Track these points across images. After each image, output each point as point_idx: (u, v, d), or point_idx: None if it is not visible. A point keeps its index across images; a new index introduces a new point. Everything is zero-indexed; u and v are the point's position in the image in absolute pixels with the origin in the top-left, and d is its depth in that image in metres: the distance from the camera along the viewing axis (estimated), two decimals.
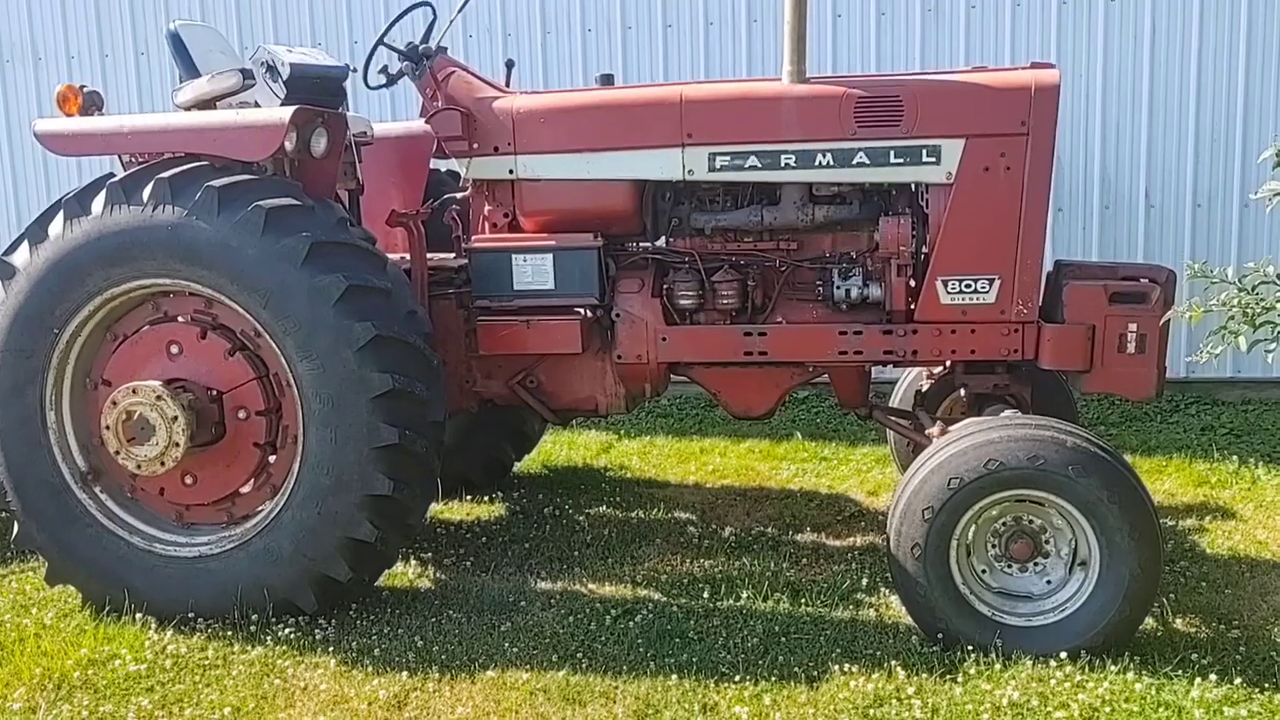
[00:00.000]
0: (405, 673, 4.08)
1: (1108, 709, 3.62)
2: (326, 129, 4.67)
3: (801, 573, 4.94)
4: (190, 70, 5.11)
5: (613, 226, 4.91)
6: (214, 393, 4.53)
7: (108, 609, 4.59)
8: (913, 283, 4.69)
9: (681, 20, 8.04)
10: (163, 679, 4.11)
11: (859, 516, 5.75)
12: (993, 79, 4.54)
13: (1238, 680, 3.74)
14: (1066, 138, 7.40)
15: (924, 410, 5.28)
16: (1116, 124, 7.54)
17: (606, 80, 5.19)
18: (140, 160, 4.71)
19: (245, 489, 4.65)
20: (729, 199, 4.90)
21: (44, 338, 4.55)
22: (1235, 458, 6.40)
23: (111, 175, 4.59)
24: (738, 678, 3.94)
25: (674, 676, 3.95)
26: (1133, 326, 4.41)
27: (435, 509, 5.86)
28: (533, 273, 4.86)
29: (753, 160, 4.63)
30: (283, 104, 4.81)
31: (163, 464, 4.48)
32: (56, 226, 4.50)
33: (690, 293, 4.85)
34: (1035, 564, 4.08)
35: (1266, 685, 3.76)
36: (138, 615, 4.53)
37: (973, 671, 3.86)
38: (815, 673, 3.96)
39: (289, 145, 4.46)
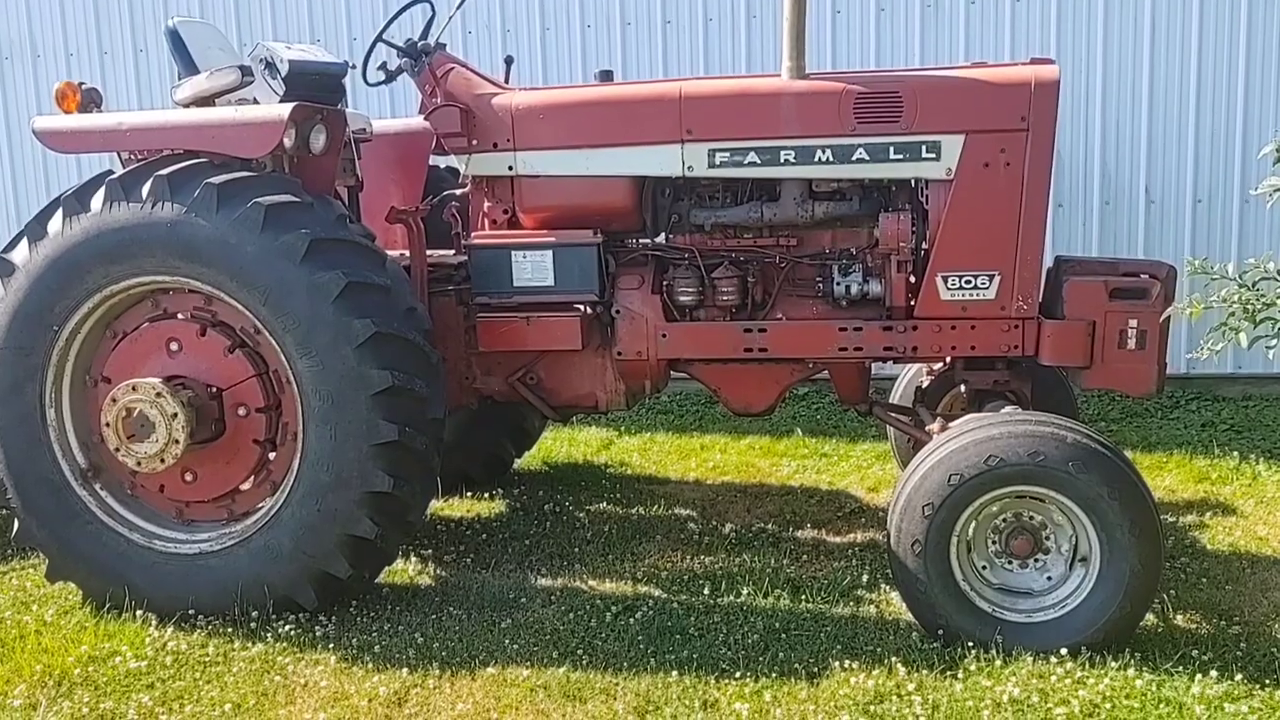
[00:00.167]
0: (406, 669, 4.08)
1: (1108, 705, 3.61)
2: (325, 126, 4.66)
3: (802, 569, 4.94)
4: (189, 67, 5.10)
5: (612, 223, 4.91)
6: (214, 390, 4.53)
7: (108, 606, 4.60)
8: (913, 279, 4.68)
9: (681, 16, 8.04)
10: (163, 676, 4.11)
11: (859, 513, 5.75)
12: (992, 75, 4.53)
13: (1239, 677, 3.74)
14: (1066, 133, 7.40)
15: (924, 406, 5.29)
16: (1117, 119, 7.54)
17: (606, 76, 5.18)
18: (139, 157, 4.71)
19: (245, 486, 4.66)
20: (729, 195, 4.89)
21: (44, 335, 4.54)
22: (1236, 454, 6.40)
23: (110, 172, 4.59)
24: (738, 674, 3.94)
25: (674, 673, 3.95)
26: (1133, 322, 4.41)
27: (435, 506, 5.86)
28: (532, 269, 4.85)
29: (752, 156, 4.62)
30: (281, 101, 4.81)
31: (162, 461, 4.47)
32: (56, 224, 4.50)
33: (690, 289, 4.85)
34: (1036, 560, 4.08)
35: (1267, 681, 3.76)
36: (138, 612, 4.53)
37: (973, 668, 3.85)
38: (816, 669, 3.96)
39: (288, 142, 4.45)
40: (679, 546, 5.28)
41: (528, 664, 4.09)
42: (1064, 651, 3.86)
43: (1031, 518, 4.06)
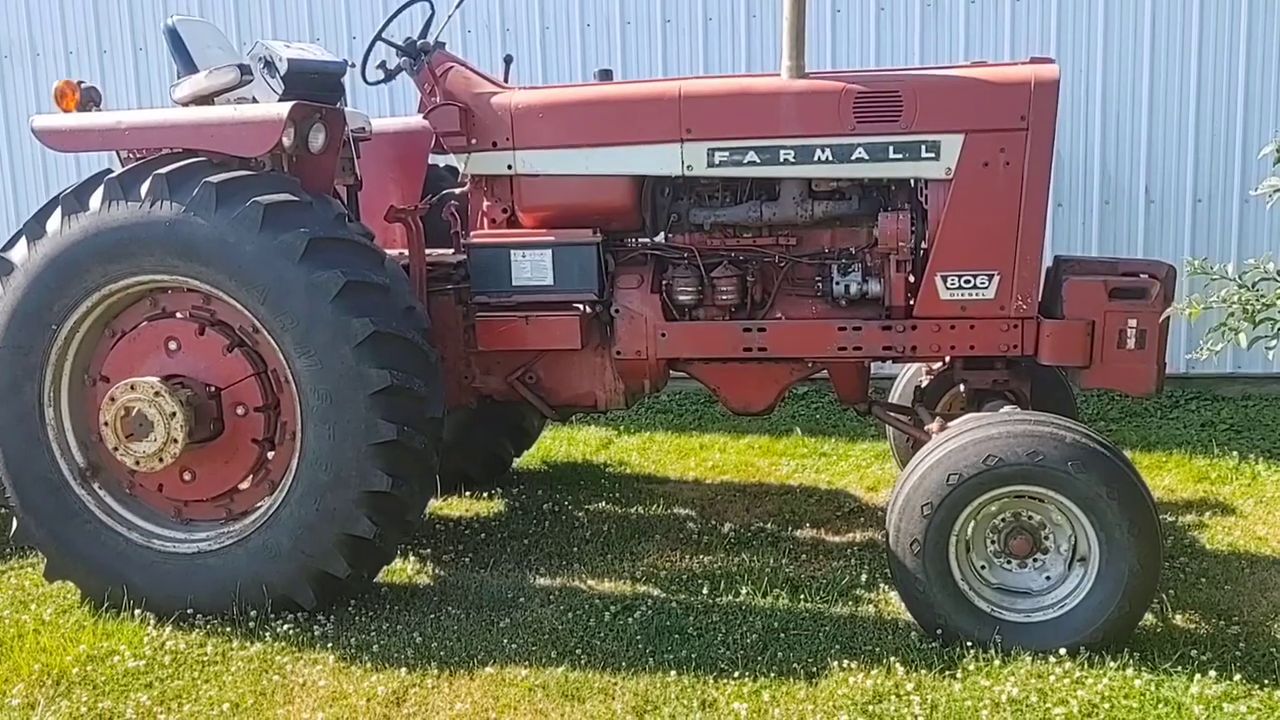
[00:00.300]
0: (404, 669, 4.07)
1: (1107, 705, 3.61)
2: (324, 124, 4.66)
3: (801, 569, 4.94)
4: (188, 66, 5.10)
5: (612, 222, 4.91)
6: (212, 389, 4.52)
7: (106, 605, 4.59)
8: (912, 278, 4.68)
9: (680, 16, 8.04)
10: (161, 675, 4.10)
11: (858, 512, 5.74)
12: (992, 74, 4.53)
13: (1237, 677, 3.74)
14: (1066, 133, 7.40)
15: (923, 406, 5.28)
16: (1116, 119, 7.54)
17: (605, 75, 5.18)
18: (138, 156, 4.71)
19: (244, 485, 4.65)
20: (728, 194, 4.89)
21: (42, 334, 4.54)
22: (1235, 453, 6.40)
23: (109, 171, 4.59)
24: (737, 674, 3.93)
25: (673, 673, 3.95)
26: (1132, 322, 4.41)
27: (434, 505, 5.86)
28: (531, 268, 4.85)
29: (752, 156, 4.62)
30: (280, 99, 4.81)
31: (161, 460, 4.47)
32: (54, 223, 4.49)
33: (689, 288, 4.84)
34: (1034, 560, 4.08)
35: (1266, 681, 3.75)
36: (136, 611, 4.52)
37: (972, 668, 3.85)
38: (814, 669, 3.96)
39: (287, 141, 4.44)
40: (678, 546, 5.28)
41: (526, 663, 4.09)
42: (1063, 651, 3.86)
43: (1030, 517, 4.06)
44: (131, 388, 4.45)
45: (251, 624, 4.42)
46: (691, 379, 5.18)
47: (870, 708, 3.68)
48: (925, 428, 4.74)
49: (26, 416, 4.60)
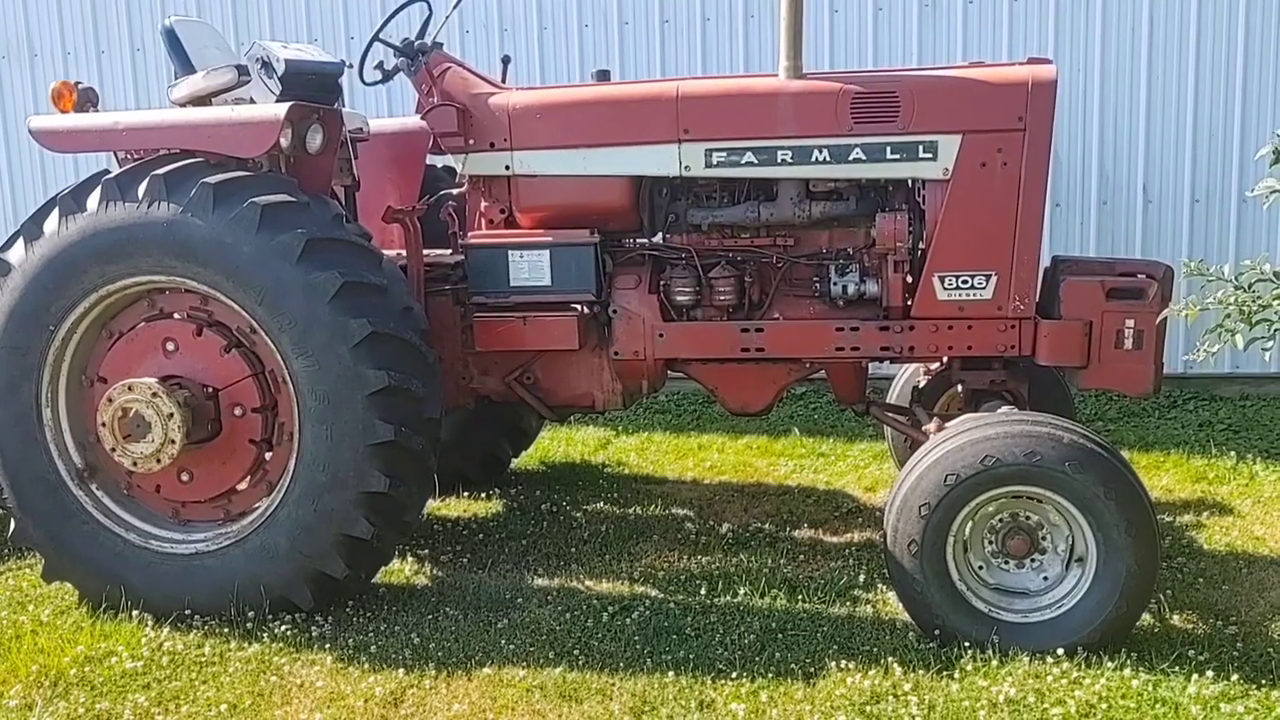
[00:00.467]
0: (402, 670, 4.07)
1: (1104, 705, 3.61)
2: (322, 125, 4.66)
3: (799, 569, 4.94)
4: (186, 66, 5.10)
5: (609, 223, 4.91)
6: (210, 389, 4.52)
7: (104, 606, 4.59)
8: (909, 279, 4.68)
9: (679, 16, 8.04)
10: (159, 676, 4.10)
11: (856, 513, 5.74)
12: (990, 74, 4.53)
13: (1235, 677, 3.74)
14: (1064, 133, 7.40)
15: (921, 406, 5.28)
16: (1114, 119, 7.54)
17: (603, 76, 5.17)
18: (135, 157, 4.70)
19: (241, 486, 4.65)
20: (726, 195, 4.89)
21: (40, 335, 4.54)
22: (1233, 453, 6.40)
23: (107, 172, 4.59)
24: (734, 674, 3.93)
25: (670, 673, 3.95)
26: (1130, 322, 4.41)
27: (432, 506, 5.86)
28: (529, 269, 4.85)
29: (749, 156, 4.62)
30: (278, 100, 4.80)
31: (159, 461, 4.47)
32: (52, 223, 4.49)
33: (687, 289, 4.84)
34: (1032, 560, 4.08)
35: (1263, 681, 3.76)
36: (134, 612, 4.52)
37: (969, 668, 3.85)
38: (812, 669, 3.96)
39: (284, 142, 4.44)
40: (676, 546, 5.28)
41: (524, 664, 4.09)
42: (1060, 651, 3.86)
43: (1028, 518, 4.06)
44: (129, 388, 4.44)
45: (249, 625, 4.42)
46: (689, 379, 5.17)
47: (868, 708, 3.68)
48: (923, 428, 4.74)
49: (24, 417, 4.60)
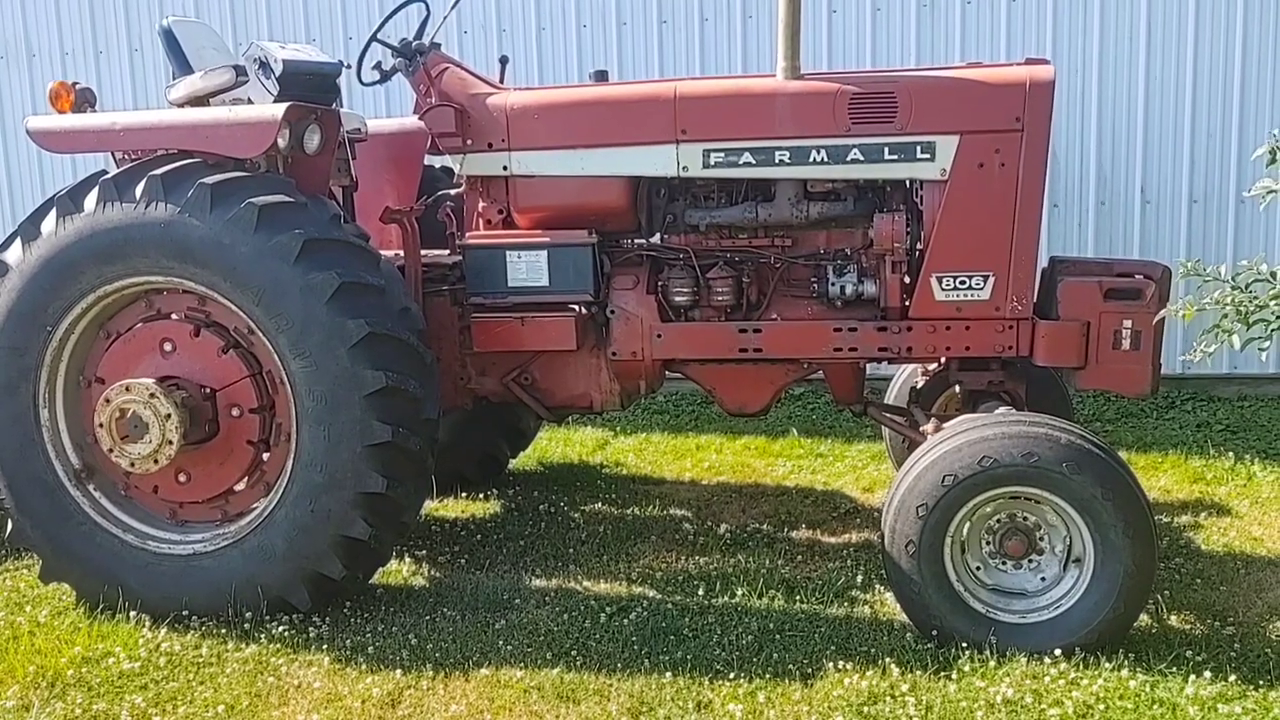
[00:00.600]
0: (399, 671, 4.07)
1: (1102, 706, 3.61)
2: (320, 125, 4.65)
3: (796, 569, 4.94)
4: (183, 67, 5.09)
5: (607, 223, 4.91)
6: (207, 390, 4.51)
7: (102, 607, 4.59)
8: (907, 279, 4.68)
9: (676, 16, 8.04)
10: (156, 677, 4.10)
11: (854, 513, 5.74)
12: (987, 75, 4.53)
13: (1232, 677, 3.74)
14: (1062, 133, 7.40)
15: (919, 407, 5.28)
16: (1112, 120, 7.54)
17: (601, 76, 5.17)
18: (133, 157, 4.70)
19: (239, 487, 4.64)
20: (723, 195, 4.89)
21: (37, 335, 4.54)
22: (1231, 454, 6.40)
23: (104, 172, 4.58)
24: (732, 675, 3.93)
25: (668, 674, 3.95)
26: (1127, 323, 4.41)
27: (430, 506, 5.86)
28: (527, 269, 4.85)
29: (747, 157, 4.62)
30: (276, 101, 4.79)
31: (156, 462, 4.47)
32: (49, 224, 4.49)
33: (685, 289, 4.84)
34: (1030, 561, 4.08)
35: (1261, 682, 3.76)
36: (132, 613, 4.52)
37: (967, 669, 3.85)
38: (810, 670, 3.96)
39: (282, 142, 4.44)
40: (674, 547, 5.28)
41: (521, 665, 4.08)
42: (1058, 652, 3.87)
43: (1026, 518, 4.06)
44: (126, 389, 4.44)
45: (247, 625, 4.41)
46: (688, 380, 5.17)
47: (865, 709, 3.68)
48: (921, 429, 4.75)
49: (21, 418, 4.60)
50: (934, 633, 4.03)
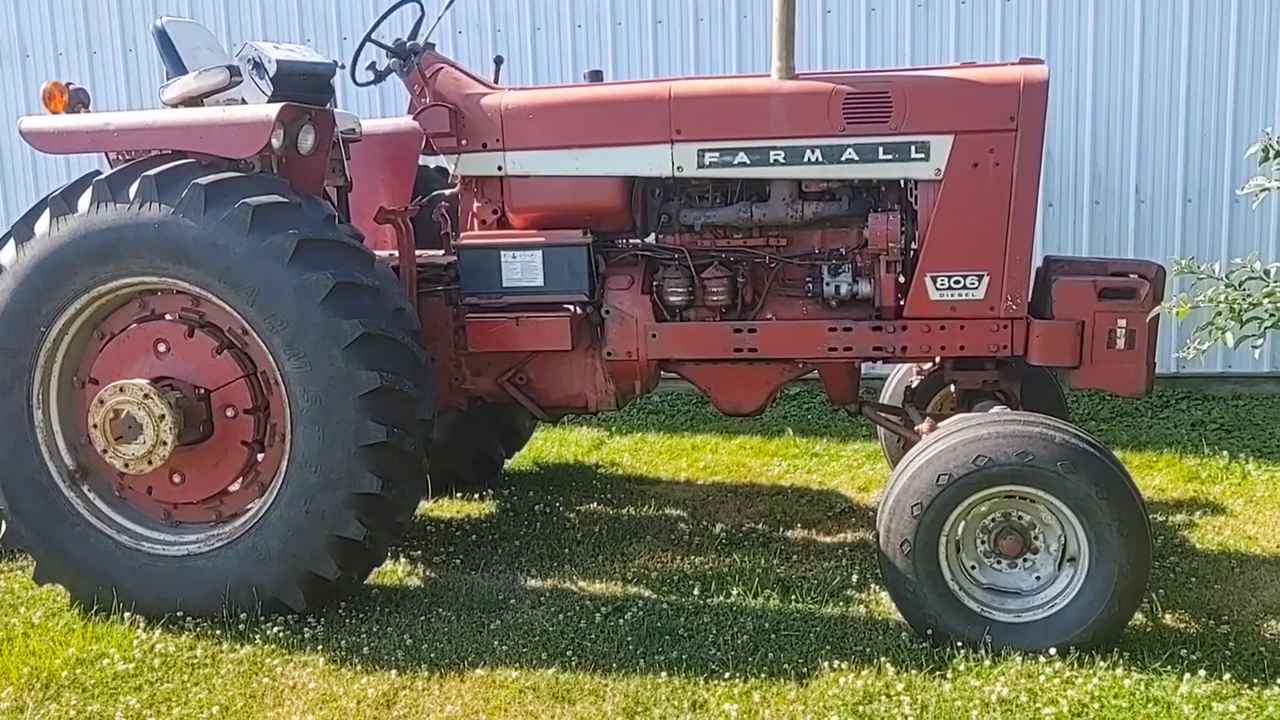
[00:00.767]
0: (394, 671, 4.07)
1: (1097, 705, 3.62)
2: (314, 126, 4.65)
3: (792, 569, 4.94)
4: (177, 67, 5.08)
5: (602, 223, 4.90)
6: (201, 391, 4.51)
7: (96, 608, 4.58)
8: (902, 279, 4.68)
9: (671, 16, 8.04)
10: (151, 678, 4.09)
11: (849, 513, 5.75)
12: (982, 75, 4.54)
13: (1227, 676, 3.74)
14: (1057, 133, 7.41)
15: (914, 406, 5.29)
16: (1107, 119, 7.55)
17: (595, 76, 5.17)
18: (127, 158, 4.69)
19: (233, 487, 4.64)
20: (718, 195, 4.89)
21: (31, 336, 4.53)
22: (1225, 453, 6.41)
23: (98, 173, 4.58)
24: (727, 675, 3.93)
25: (663, 674, 3.95)
26: (1122, 322, 4.42)
27: (425, 507, 5.85)
28: (522, 270, 4.84)
29: (742, 157, 4.62)
30: (269, 101, 4.79)
31: (150, 462, 4.46)
32: (43, 224, 4.48)
33: (680, 289, 4.84)
34: (1024, 560, 4.08)
35: (1255, 681, 3.76)
36: (126, 614, 4.51)
37: (962, 668, 3.86)
38: (805, 669, 3.96)
39: (276, 142, 4.44)
40: (669, 547, 5.28)
41: (517, 665, 4.08)
42: (1053, 651, 3.87)
43: (1020, 518, 4.06)
44: (120, 390, 4.43)
45: (241, 626, 4.41)
46: (683, 380, 5.17)
47: (861, 708, 3.68)
48: (915, 428, 4.75)
49: (15, 419, 4.59)
50: (929, 632, 4.03)
